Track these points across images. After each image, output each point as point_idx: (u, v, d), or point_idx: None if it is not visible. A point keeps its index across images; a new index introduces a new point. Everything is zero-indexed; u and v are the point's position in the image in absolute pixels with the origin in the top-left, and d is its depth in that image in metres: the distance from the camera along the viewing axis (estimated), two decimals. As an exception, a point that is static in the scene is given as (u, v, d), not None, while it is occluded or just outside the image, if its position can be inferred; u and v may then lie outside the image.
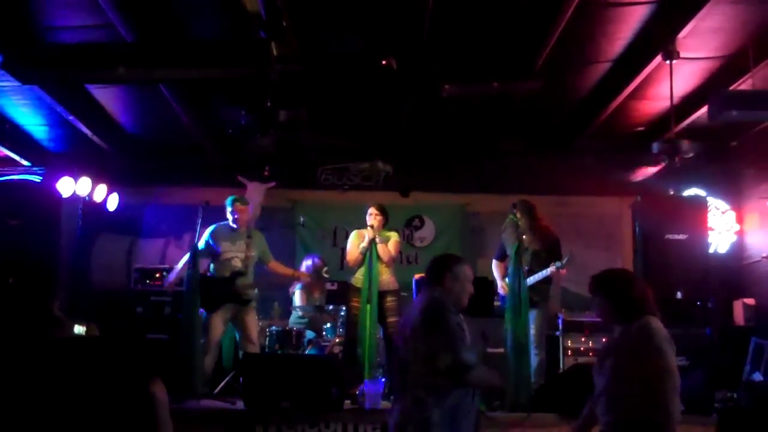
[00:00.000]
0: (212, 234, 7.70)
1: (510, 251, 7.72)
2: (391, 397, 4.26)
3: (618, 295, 4.01)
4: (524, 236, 7.53)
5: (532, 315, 7.30)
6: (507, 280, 7.76)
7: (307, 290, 8.85)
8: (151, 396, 2.50)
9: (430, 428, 3.89)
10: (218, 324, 7.55)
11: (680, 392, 3.81)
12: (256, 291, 7.86)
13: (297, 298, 8.82)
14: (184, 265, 7.67)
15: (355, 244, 7.82)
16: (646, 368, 3.75)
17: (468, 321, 8.67)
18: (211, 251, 7.68)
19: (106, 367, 2.50)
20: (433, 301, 4.17)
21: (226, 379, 7.57)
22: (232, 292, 7.56)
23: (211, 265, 7.73)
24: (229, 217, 7.74)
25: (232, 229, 7.75)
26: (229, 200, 7.82)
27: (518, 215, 7.60)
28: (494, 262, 8.08)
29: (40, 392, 2.43)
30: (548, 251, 7.52)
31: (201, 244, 7.66)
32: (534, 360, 7.32)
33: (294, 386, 6.60)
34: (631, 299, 3.97)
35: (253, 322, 7.70)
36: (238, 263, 7.66)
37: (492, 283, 7.96)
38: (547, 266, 7.43)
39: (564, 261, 7.33)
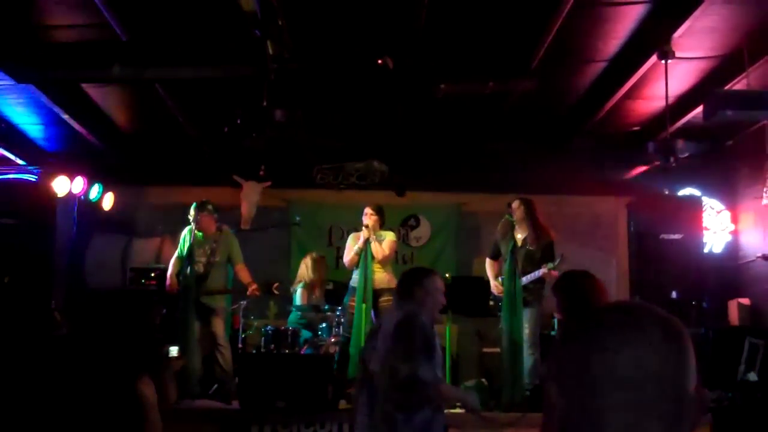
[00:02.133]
0: (185, 238, 7.79)
1: (504, 251, 7.74)
2: (356, 409, 4.14)
3: (571, 298, 4.10)
4: (519, 233, 7.55)
5: (526, 314, 7.31)
6: (500, 279, 7.78)
7: (308, 289, 8.84)
8: (139, 394, 2.48)
9: None
10: (194, 324, 7.59)
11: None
12: (218, 296, 7.89)
13: (298, 297, 8.79)
14: (173, 265, 7.84)
15: (350, 246, 7.86)
16: None
17: (464, 321, 8.73)
18: (186, 252, 7.77)
19: (93, 364, 2.48)
20: (407, 314, 4.11)
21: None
22: (194, 297, 7.63)
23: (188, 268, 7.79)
24: (192, 224, 7.81)
25: (199, 235, 7.82)
26: (192, 206, 7.86)
27: (515, 213, 7.63)
28: (487, 261, 8.08)
29: (30, 389, 2.42)
30: (542, 252, 7.52)
31: (180, 250, 7.79)
32: (528, 360, 7.32)
33: (289, 386, 6.61)
34: (580, 302, 4.07)
35: (218, 325, 7.74)
36: (200, 268, 7.75)
37: (488, 283, 7.96)
38: (540, 267, 7.44)
39: (556, 262, 7.33)
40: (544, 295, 7.80)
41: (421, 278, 4.35)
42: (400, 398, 3.87)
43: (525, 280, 7.40)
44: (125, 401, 2.40)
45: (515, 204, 7.67)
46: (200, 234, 7.84)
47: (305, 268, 8.87)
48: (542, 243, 7.55)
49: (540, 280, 7.55)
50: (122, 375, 2.50)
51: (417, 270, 4.76)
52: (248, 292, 7.85)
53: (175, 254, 8.05)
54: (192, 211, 7.82)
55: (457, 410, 6.96)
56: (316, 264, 8.85)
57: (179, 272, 7.84)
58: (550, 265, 7.34)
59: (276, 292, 8.03)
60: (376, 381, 3.94)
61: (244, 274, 7.93)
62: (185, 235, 7.89)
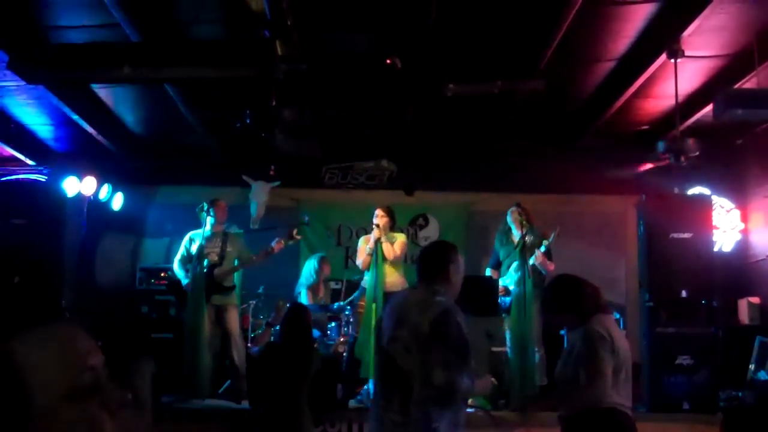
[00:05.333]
0: (189, 240, 7.83)
1: (503, 254, 7.83)
2: (378, 403, 3.92)
3: (572, 304, 4.11)
4: (517, 233, 7.64)
5: (532, 312, 7.32)
6: (501, 283, 7.84)
7: (312, 289, 8.88)
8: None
9: None
10: (206, 324, 7.65)
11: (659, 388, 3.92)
12: (230, 294, 7.95)
13: (304, 298, 8.84)
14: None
15: (362, 248, 7.88)
16: (581, 368, 3.93)
17: (473, 320, 8.72)
18: (190, 255, 7.77)
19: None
20: (443, 310, 3.77)
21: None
22: (212, 284, 7.69)
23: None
24: (211, 219, 7.90)
25: (207, 232, 7.88)
26: (209, 202, 7.97)
27: (513, 216, 7.75)
28: (489, 271, 8.16)
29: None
30: (540, 244, 7.61)
31: (180, 256, 7.82)
32: (534, 358, 7.34)
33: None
34: (582, 303, 4.07)
35: (232, 322, 7.82)
36: (214, 257, 7.84)
37: (497, 282, 7.97)
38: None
39: (549, 239, 7.41)
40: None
41: (452, 255, 3.97)
42: (439, 398, 3.74)
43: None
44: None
45: (513, 208, 7.81)
46: (209, 231, 7.90)
47: (310, 270, 8.92)
48: (540, 237, 7.65)
49: (542, 277, 7.57)
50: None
51: (446, 245, 4.16)
52: (275, 249, 7.88)
53: (178, 258, 8.01)
54: (210, 207, 7.90)
55: (467, 409, 6.99)
56: (321, 266, 8.90)
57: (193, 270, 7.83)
58: (545, 243, 7.43)
59: (298, 237, 8.15)
60: (413, 381, 3.71)
61: (260, 256, 8.01)
62: (191, 237, 7.91)
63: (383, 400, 3.86)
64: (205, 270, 7.71)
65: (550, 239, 7.49)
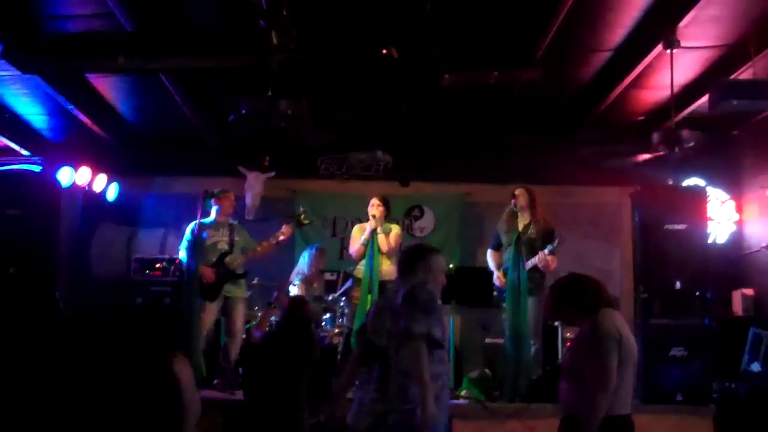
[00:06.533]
0: (193, 230, 7.72)
1: (505, 240, 7.75)
2: (360, 386, 4.27)
3: (574, 299, 4.12)
4: (521, 221, 7.57)
5: (528, 304, 7.30)
6: (502, 270, 7.79)
7: (306, 281, 8.87)
8: (175, 376, 2.20)
9: (414, 419, 3.88)
10: (211, 311, 7.62)
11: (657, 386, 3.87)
12: (240, 286, 7.92)
13: (297, 289, 8.83)
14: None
15: (356, 237, 7.86)
16: (586, 363, 3.89)
17: (467, 311, 8.74)
18: (197, 242, 7.70)
19: (115, 347, 2.23)
20: (413, 285, 4.17)
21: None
22: (225, 272, 7.67)
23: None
24: (216, 208, 7.86)
25: (213, 221, 7.85)
26: (218, 191, 7.93)
27: (519, 199, 7.65)
28: (489, 252, 8.09)
29: (39, 378, 2.29)
30: (543, 239, 7.52)
31: (186, 243, 7.71)
32: (530, 350, 7.34)
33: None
34: (585, 298, 4.08)
35: (240, 315, 7.78)
36: (224, 245, 7.80)
37: (491, 274, 7.96)
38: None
39: (555, 243, 7.33)
40: (546, 284, 7.79)
41: (424, 254, 4.38)
42: (412, 367, 3.94)
43: (527, 265, 7.41)
44: (158, 385, 2.14)
45: (519, 191, 7.73)
46: (213, 220, 7.88)
47: (306, 261, 8.90)
48: (543, 230, 7.57)
49: (540, 270, 7.54)
50: (152, 354, 2.21)
51: (420, 246, 4.78)
52: (281, 238, 7.87)
53: (185, 246, 7.89)
54: (215, 196, 7.87)
55: (461, 400, 7.01)
56: (315, 257, 8.87)
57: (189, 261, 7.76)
58: (549, 246, 7.35)
59: (306, 221, 8.12)
60: (389, 356, 4.03)
61: (266, 245, 7.96)
62: (193, 228, 7.84)
63: (365, 383, 4.15)
64: (216, 259, 7.71)
65: (554, 245, 7.41)
